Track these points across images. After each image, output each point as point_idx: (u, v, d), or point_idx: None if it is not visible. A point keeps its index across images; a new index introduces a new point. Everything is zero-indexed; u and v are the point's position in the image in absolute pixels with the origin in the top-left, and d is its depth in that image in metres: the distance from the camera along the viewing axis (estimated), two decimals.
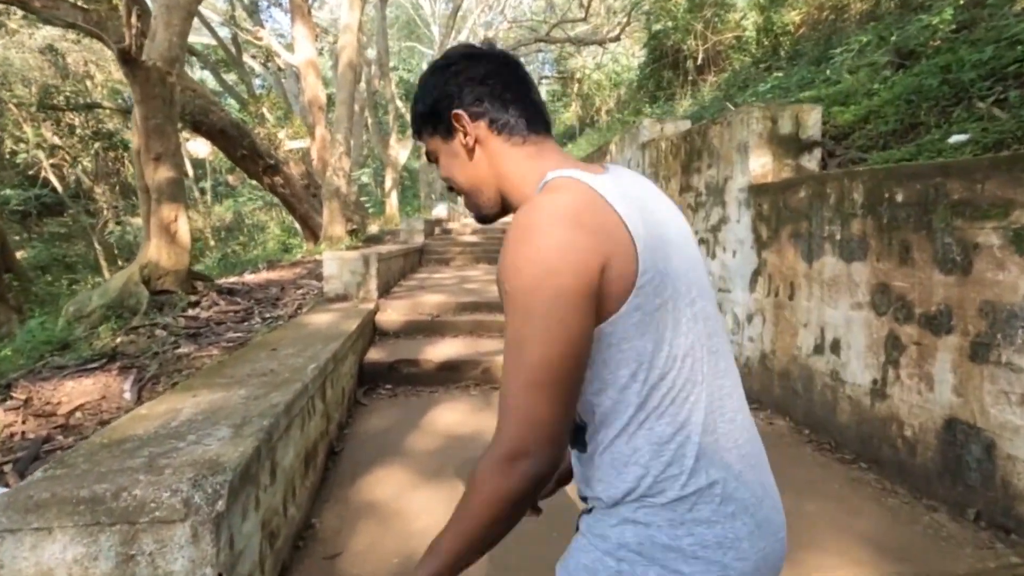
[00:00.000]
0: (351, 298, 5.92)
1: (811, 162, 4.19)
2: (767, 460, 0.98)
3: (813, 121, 4.17)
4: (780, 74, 6.53)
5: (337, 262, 5.90)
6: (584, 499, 0.98)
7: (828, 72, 5.38)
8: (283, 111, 19.98)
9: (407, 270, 9.28)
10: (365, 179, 24.37)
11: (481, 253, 12.13)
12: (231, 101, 22.36)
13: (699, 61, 13.29)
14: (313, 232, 14.20)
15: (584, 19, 23.91)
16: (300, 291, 6.46)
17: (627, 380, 0.86)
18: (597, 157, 7.82)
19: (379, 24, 22.72)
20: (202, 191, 35.78)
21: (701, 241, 4.85)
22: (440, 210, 19.07)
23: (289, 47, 16.64)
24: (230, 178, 30.14)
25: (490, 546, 0.88)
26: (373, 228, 15.62)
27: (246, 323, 5.09)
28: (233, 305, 5.65)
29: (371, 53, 25.78)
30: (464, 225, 17.08)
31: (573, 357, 0.81)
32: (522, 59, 36.54)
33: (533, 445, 0.80)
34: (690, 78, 13.58)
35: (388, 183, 20.97)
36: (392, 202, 20.68)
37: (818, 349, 3.47)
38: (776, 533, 0.93)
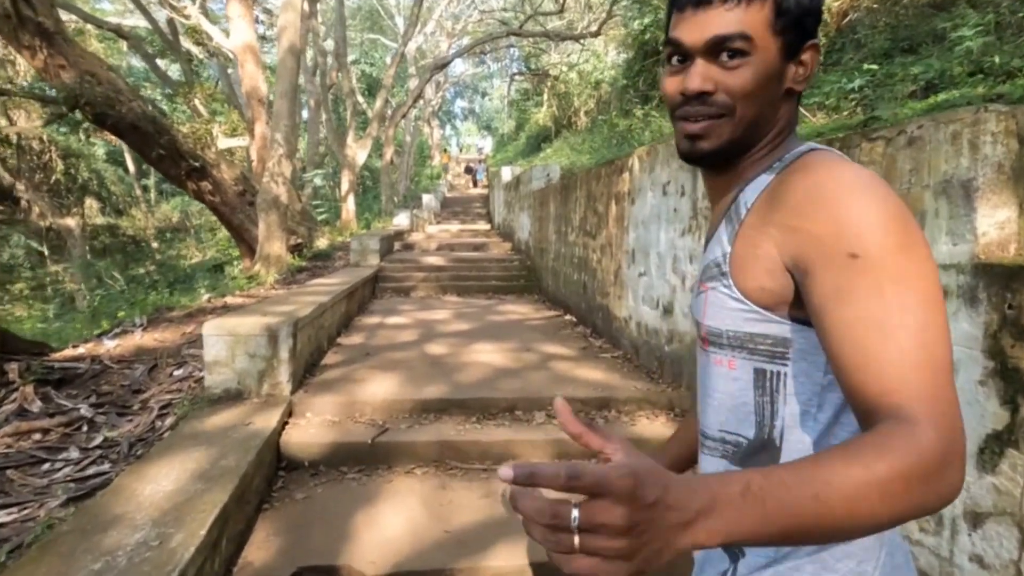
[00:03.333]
0: (248, 395, 3.78)
1: None
2: None
3: None
4: (875, 66, 4.62)
5: (226, 342, 3.74)
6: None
7: (996, 59, 3.45)
8: (220, 103, 17.49)
9: (353, 313, 7.14)
10: (319, 181, 21.97)
11: (448, 281, 10.04)
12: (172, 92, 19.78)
13: None
14: (250, 247, 11.85)
15: (560, 12, 22.02)
16: (179, 372, 4.29)
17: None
18: (607, 175, 5.82)
19: (337, 11, 20.48)
20: (145, 189, 32.92)
21: None
22: (401, 219, 16.83)
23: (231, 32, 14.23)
24: None
25: (826, 539, 0.58)
26: (322, 242, 13.32)
27: (47, 465, 2.92)
28: (49, 417, 3.47)
29: (329, 44, 23.48)
30: (429, 237, 14.95)
31: None
32: (492, 55, 34.51)
33: (961, 450, 0.59)
34: None
35: (345, 186, 18.64)
36: (349, 207, 18.37)
37: None
38: None
